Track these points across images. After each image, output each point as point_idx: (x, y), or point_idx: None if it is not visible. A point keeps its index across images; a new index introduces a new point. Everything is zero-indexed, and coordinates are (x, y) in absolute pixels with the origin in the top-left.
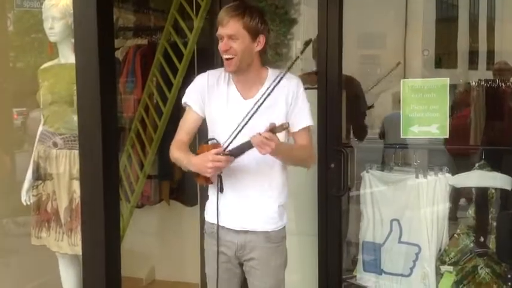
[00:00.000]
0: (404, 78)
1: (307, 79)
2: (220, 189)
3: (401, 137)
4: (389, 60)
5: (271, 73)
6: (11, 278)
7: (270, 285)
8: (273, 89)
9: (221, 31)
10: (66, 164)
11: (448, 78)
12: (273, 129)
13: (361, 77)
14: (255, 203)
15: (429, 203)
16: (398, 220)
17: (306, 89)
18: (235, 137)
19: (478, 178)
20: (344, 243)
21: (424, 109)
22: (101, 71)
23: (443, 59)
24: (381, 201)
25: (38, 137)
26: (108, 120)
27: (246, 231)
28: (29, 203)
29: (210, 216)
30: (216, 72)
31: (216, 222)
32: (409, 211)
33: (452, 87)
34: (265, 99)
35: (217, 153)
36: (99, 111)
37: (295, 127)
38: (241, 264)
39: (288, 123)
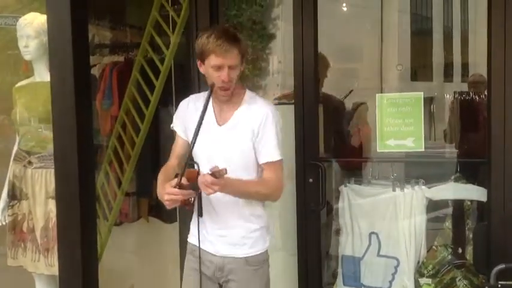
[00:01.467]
0: (381, 91)
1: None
2: (200, 214)
3: (378, 150)
4: (366, 73)
5: (248, 96)
6: None
7: None
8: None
9: (222, 62)
10: (41, 183)
11: (423, 93)
12: (214, 174)
13: (337, 91)
14: (231, 230)
15: (406, 216)
16: (377, 233)
17: (282, 104)
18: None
19: (454, 190)
20: (324, 257)
21: (399, 123)
22: (76, 89)
23: (419, 71)
24: (360, 215)
25: (13, 156)
26: (84, 138)
27: (224, 256)
28: (4, 223)
29: (191, 236)
30: (197, 96)
31: (195, 244)
32: (387, 224)
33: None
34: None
35: (175, 185)
36: (74, 129)
37: (261, 159)
38: (220, 285)
39: (226, 169)
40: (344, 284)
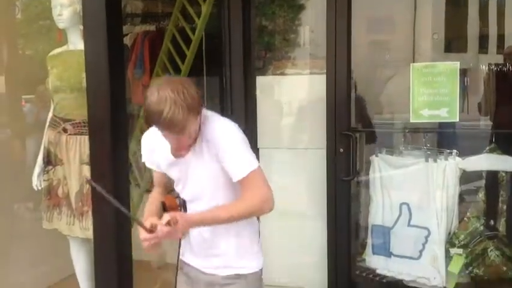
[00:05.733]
0: (413, 62)
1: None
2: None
3: (411, 121)
4: (399, 45)
5: (203, 121)
6: (24, 261)
7: None
8: None
9: (166, 135)
10: (76, 150)
11: (459, 62)
12: (169, 223)
13: (369, 62)
14: (218, 252)
15: (439, 187)
16: (408, 204)
17: (313, 74)
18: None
19: (488, 161)
20: (353, 227)
21: (434, 93)
22: (110, 57)
23: (453, 43)
24: (390, 185)
25: (47, 122)
26: (117, 105)
27: (213, 274)
28: (40, 188)
29: (181, 251)
30: (155, 131)
31: (183, 259)
32: (419, 195)
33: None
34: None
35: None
36: (108, 97)
37: (233, 179)
38: None
39: (176, 218)
40: (373, 253)
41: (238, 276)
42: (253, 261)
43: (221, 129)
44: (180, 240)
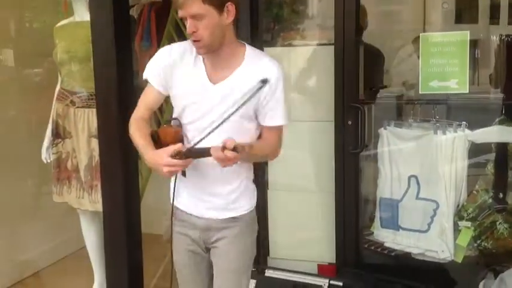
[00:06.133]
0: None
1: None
2: (183, 174)
3: (420, 92)
4: (409, 15)
5: (250, 52)
6: (35, 235)
7: (230, 267)
8: (250, 97)
9: (182, 13)
10: (84, 123)
11: (468, 32)
12: (235, 149)
13: (379, 33)
14: (214, 194)
15: (447, 159)
16: (416, 176)
17: (322, 44)
18: (200, 140)
19: (498, 133)
20: (361, 200)
21: (443, 63)
22: (116, 29)
23: (464, 13)
24: (399, 158)
25: (55, 95)
26: (124, 78)
27: (208, 218)
28: (49, 161)
29: (171, 197)
30: (181, 46)
31: (178, 206)
32: (428, 167)
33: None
34: (240, 107)
35: (174, 154)
36: (115, 69)
37: (266, 122)
38: (207, 250)
39: (251, 146)
40: (382, 227)
41: (234, 219)
42: (249, 201)
43: (278, 71)
44: (174, 184)
